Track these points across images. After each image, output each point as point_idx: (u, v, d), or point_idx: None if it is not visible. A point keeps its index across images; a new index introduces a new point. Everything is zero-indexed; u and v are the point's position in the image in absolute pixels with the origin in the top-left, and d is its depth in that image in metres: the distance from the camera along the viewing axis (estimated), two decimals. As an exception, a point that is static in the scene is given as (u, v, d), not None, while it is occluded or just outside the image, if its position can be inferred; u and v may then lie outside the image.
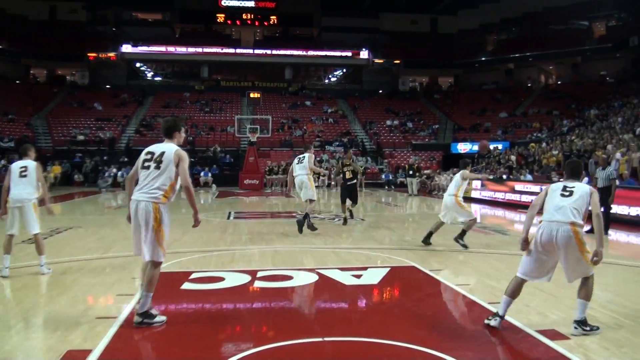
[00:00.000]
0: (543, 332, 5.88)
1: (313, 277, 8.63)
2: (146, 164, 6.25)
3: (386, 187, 38.27)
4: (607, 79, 52.57)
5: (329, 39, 59.27)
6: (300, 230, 13.48)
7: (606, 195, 14.59)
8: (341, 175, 17.04)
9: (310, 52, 56.98)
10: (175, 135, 6.52)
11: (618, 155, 23.41)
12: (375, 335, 5.80)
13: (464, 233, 11.76)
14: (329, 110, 52.88)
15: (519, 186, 24.95)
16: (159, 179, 6.15)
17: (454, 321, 6.60)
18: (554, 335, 5.82)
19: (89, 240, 13.30)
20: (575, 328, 5.84)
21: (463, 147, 45.28)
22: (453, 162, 39.34)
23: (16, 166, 9.04)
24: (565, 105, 48.77)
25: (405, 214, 22.52)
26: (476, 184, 28.20)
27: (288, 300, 7.55)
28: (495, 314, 6.10)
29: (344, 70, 61.86)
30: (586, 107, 45.30)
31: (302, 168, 14.23)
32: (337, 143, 45.49)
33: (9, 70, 53.66)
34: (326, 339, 5.74)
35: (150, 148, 6.38)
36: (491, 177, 28.67)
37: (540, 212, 6.25)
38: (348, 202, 16.82)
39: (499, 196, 26.04)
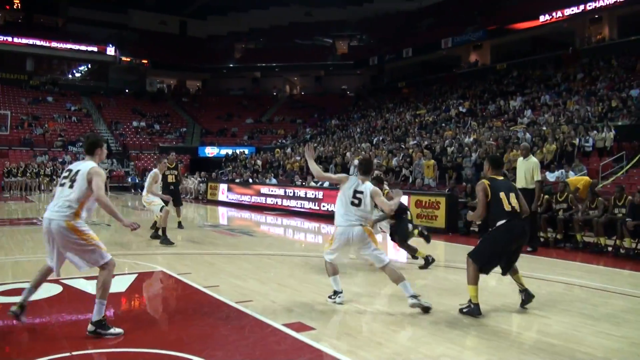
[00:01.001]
0: (289, 326, 6.39)
1: (57, 289, 8.15)
2: (63, 181, 6.32)
3: (132, 191, 38.33)
4: (348, 92, 59.15)
5: (75, 31, 57.59)
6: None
7: None
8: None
9: (54, 44, 54.56)
10: (97, 152, 6.53)
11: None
12: (124, 345, 5.83)
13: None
14: (73, 108, 51.61)
15: (264, 189, 26.65)
16: (71, 196, 6.13)
17: (204, 322, 6.61)
18: (300, 327, 6.35)
19: None
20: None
21: (210, 151, 47.45)
22: (200, 166, 41.29)
23: None
24: (309, 115, 53.20)
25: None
26: (223, 188, 30.11)
27: (31, 316, 6.62)
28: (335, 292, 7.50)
29: (90, 65, 60.38)
30: (328, 117, 50.27)
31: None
32: (81, 143, 44.52)
33: None
34: (74, 353, 5.52)
35: (70, 166, 6.51)
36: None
37: None
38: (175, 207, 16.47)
39: (245, 199, 27.85)
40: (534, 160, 12.73)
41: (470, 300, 7.00)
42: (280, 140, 47.58)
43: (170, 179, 15.95)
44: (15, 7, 58.40)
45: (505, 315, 7.12)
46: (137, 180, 39.32)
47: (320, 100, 56.41)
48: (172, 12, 62.04)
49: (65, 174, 6.37)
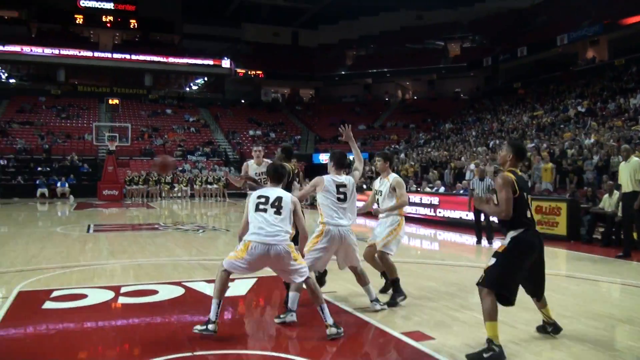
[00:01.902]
0: (409, 334, 6.26)
1: (179, 291, 8.56)
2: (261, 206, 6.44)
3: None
4: (462, 95, 58.12)
5: (190, 47, 60.40)
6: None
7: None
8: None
9: (171, 59, 57.37)
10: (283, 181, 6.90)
11: (472, 166, 25.71)
12: (245, 347, 6.06)
13: None
14: (191, 119, 53.81)
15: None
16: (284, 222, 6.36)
17: (322, 329, 6.35)
18: (420, 336, 6.21)
19: None
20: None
21: (325, 158, 47.51)
22: (315, 172, 41.37)
23: None
24: (422, 119, 52.84)
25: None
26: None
27: (154, 316, 7.30)
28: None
29: (206, 78, 62.90)
30: (441, 121, 49.55)
31: None
32: (199, 153, 46.47)
33: None
34: (196, 353, 5.73)
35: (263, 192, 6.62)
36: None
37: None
38: None
39: (359, 205, 27.50)
40: (635, 160, 12.05)
41: (491, 342, 5.46)
42: (393, 146, 47.41)
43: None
44: (132, 26, 61.14)
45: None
46: (255, 187, 39.80)
47: (433, 104, 55.88)
48: (284, 23, 63.32)
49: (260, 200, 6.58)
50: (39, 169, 40.57)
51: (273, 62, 60.24)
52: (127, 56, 56.58)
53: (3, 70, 58.25)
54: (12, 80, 58.23)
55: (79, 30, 61.45)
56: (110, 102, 52.74)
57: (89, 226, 19.61)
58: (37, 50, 54.26)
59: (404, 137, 49.36)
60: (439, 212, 21.26)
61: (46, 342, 6.33)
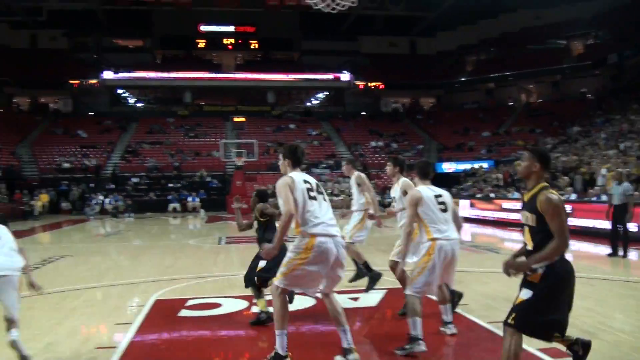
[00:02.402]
0: (545, 351, 6.08)
1: (310, 301, 8.55)
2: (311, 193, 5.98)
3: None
4: (588, 95, 55.54)
5: (309, 62, 61.29)
6: None
7: (622, 213, 13.99)
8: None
9: (292, 76, 58.65)
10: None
11: (604, 170, 24.27)
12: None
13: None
14: (314, 133, 54.58)
15: (506, 204, 25.80)
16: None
17: (455, 342, 6.63)
18: (557, 353, 5.94)
19: (80, 269, 13.53)
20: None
21: (448, 167, 47.26)
22: (439, 182, 40.74)
23: None
24: (548, 123, 51.25)
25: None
26: (464, 204, 29.68)
27: (290, 325, 6.91)
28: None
29: (327, 92, 63.66)
30: (568, 124, 47.60)
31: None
32: (324, 165, 47.08)
33: (-8, 99, 55.52)
34: None
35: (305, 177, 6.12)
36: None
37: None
38: None
39: (488, 215, 27.31)
40: None
41: None
42: (519, 152, 46.21)
43: None
44: (253, 47, 62.64)
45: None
46: (378, 198, 39.73)
47: (559, 107, 53.95)
48: (401, 33, 62.97)
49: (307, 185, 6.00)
50: (170, 185, 42.55)
51: (392, 72, 60.19)
52: (250, 75, 58.56)
53: (131, 95, 61.39)
54: (140, 104, 61.44)
55: (202, 54, 63.56)
56: (236, 119, 54.32)
57: (219, 238, 20.58)
58: (163, 75, 57.14)
59: (531, 143, 47.96)
60: (571, 221, 20.35)
61: (182, 349, 6.69)
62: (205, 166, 46.73)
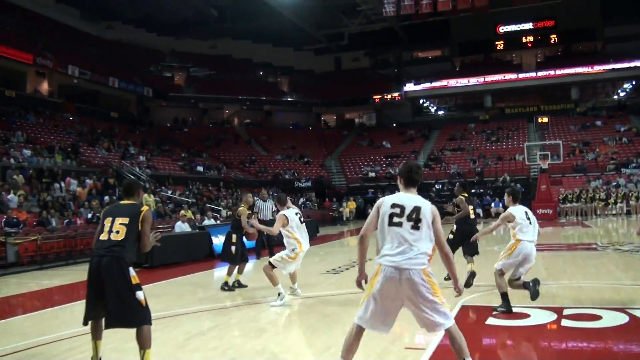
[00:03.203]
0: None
1: (623, 318, 7.91)
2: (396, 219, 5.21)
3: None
4: None
5: (614, 51, 57.36)
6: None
7: None
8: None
9: (596, 68, 55.41)
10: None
11: None
12: None
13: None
14: (622, 129, 50.95)
15: None
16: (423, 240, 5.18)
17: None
18: None
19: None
20: None
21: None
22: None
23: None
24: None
25: None
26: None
27: (598, 342, 7.02)
28: None
29: (634, 82, 58.97)
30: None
31: None
32: (634, 165, 43.56)
33: (302, 119, 62.16)
34: None
35: (397, 200, 5.31)
36: None
37: None
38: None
39: None
40: None
41: None
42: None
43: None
44: (552, 41, 60.56)
45: None
46: None
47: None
48: None
49: (394, 210, 5.26)
50: (473, 190, 42.81)
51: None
52: (551, 72, 56.81)
53: (432, 104, 63.10)
54: (441, 112, 63.01)
55: (501, 56, 63.06)
56: (539, 120, 52.96)
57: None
58: (462, 81, 58.18)
59: None
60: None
61: (486, 356, 6.81)
62: (508, 170, 46.46)
